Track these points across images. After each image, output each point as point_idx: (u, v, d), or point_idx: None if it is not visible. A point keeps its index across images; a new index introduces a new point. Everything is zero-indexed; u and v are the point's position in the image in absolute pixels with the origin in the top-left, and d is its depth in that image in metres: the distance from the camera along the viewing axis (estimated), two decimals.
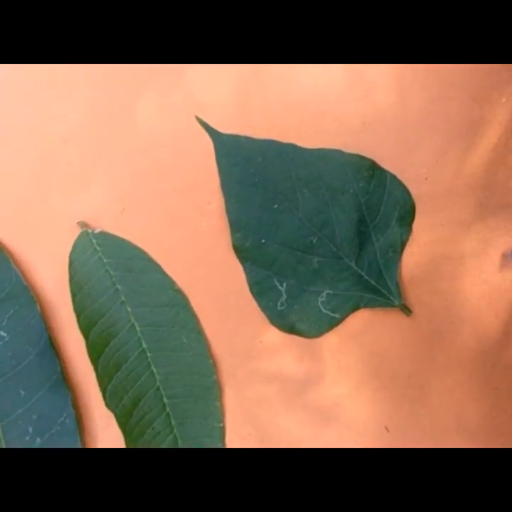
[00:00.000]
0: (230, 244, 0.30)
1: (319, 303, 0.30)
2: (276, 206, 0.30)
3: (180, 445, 0.28)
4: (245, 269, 0.30)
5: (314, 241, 0.30)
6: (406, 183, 0.30)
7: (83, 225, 0.30)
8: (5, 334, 0.29)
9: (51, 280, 0.30)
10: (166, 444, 0.28)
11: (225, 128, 0.31)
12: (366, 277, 0.30)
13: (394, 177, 0.30)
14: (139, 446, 0.28)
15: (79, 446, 0.29)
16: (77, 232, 0.30)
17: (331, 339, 0.30)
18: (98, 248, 0.30)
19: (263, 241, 0.30)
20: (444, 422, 0.29)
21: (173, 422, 0.29)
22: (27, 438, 0.28)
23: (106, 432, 0.29)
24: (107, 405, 0.28)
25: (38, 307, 0.29)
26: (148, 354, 0.29)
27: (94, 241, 0.30)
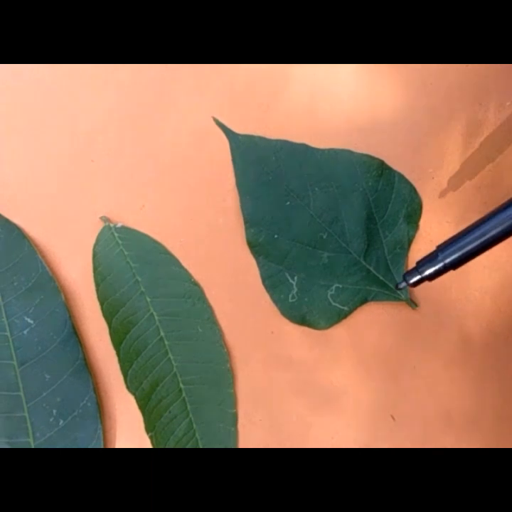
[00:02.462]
0: (244, 239, 0.31)
1: (329, 296, 0.31)
2: (288, 203, 0.31)
3: (195, 429, 0.30)
4: (258, 263, 0.31)
5: (324, 237, 0.31)
6: (413, 182, 0.31)
7: (106, 219, 0.32)
8: (32, 321, 0.31)
9: (75, 271, 0.32)
10: (181, 427, 0.30)
11: (240, 128, 0.32)
12: (374, 272, 0.31)
13: (402, 176, 0.31)
14: (157, 428, 0.29)
15: (99, 428, 0.30)
16: (99, 226, 0.32)
17: (339, 330, 0.31)
18: (120, 241, 0.31)
19: (276, 236, 0.31)
20: (448, 410, 0.30)
21: (188, 406, 0.30)
22: (51, 419, 0.30)
23: (124, 416, 0.31)
24: (128, 388, 0.30)
25: (63, 297, 0.31)
26: (166, 342, 0.30)
27: (116, 235, 0.31)
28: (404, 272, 0.26)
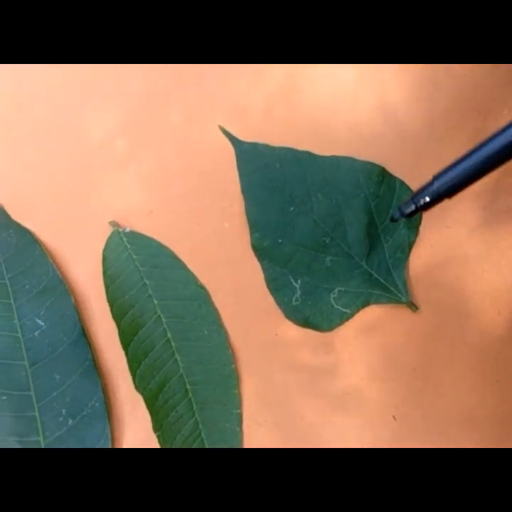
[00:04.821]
0: (249, 243, 0.32)
1: (331, 299, 0.32)
2: (292, 209, 0.32)
3: (201, 429, 0.31)
4: (263, 266, 0.32)
5: (327, 241, 0.32)
6: (414, 189, 0.32)
7: (114, 224, 0.33)
8: (42, 323, 0.31)
9: (84, 275, 0.33)
10: (187, 427, 0.30)
11: (245, 136, 0.33)
12: (376, 276, 0.32)
13: (402, 182, 0.32)
14: (164, 427, 0.30)
15: (107, 428, 0.31)
16: (109, 230, 0.33)
17: (342, 333, 0.32)
18: (128, 246, 0.32)
19: (280, 241, 0.32)
20: (448, 411, 0.30)
21: (194, 406, 0.31)
22: (60, 419, 0.30)
23: (132, 416, 0.31)
24: (136, 388, 0.31)
25: (73, 299, 0.32)
26: (173, 343, 0.31)
27: (124, 239, 0.32)
28: (400, 203, 0.26)
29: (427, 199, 0.25)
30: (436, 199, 0.25)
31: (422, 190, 0.25)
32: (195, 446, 0.30)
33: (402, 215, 0.25)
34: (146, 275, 0.32)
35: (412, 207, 0.25)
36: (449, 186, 0.24)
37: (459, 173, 0.24)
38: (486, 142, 0.24)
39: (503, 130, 0.24)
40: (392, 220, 0.26)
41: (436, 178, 0.25)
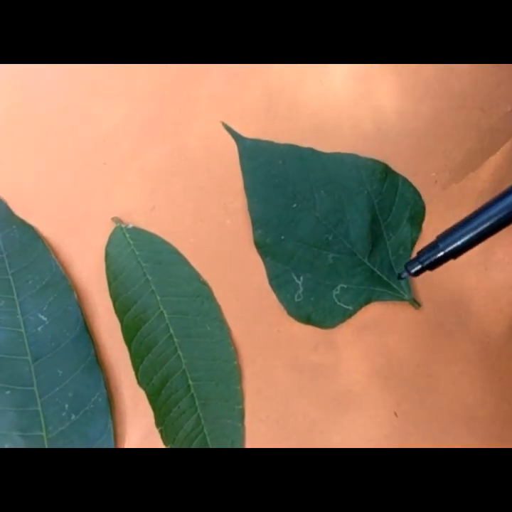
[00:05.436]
0: (252, 240, 0.32)
1: (334, 296, 0.32)
2: (295, 205, 0.32)
3: (203, 424, 0.31)
4: (265, 263, 0.32)
5: (330, 238, 0.32)
6: (417, 186, 0.32)
7: (117, 220, 0.33)
8: (45, 319, 0.31)
9: (87, 270, 0.33)
10: (190, 422, 0.31)
11: (248, 133, 0.33)
12: (378, 273, 0.32)
13: (405, 180, 0.32)
14: (166, 422, 0.30)
15: (109, 423, 0.31)
16: (111, 226, 0.33)
17: (344, 330, 0.32)
18: (131, 242, 0.32)
19: (282, 237, 0.32)
20: (450, 408, 0.30)
21: (197, 402, 0.31)
22: (63, 414, 0.31)
23: (134, 411, 0.31)
24: (139, 383, 0.31)
25: (75, 295, 0.32)
26: (175, 339, 0.31)
27: (127, 235, 0.32)
28: (406, 261, 0.26)
29: (432, 259, 0.25)
30: (442, 260, 0.25)
31: (427, 251, 0.25)
32: (197, 441, 0.30)
33: (409, 273, 0.26)
34: (149, 271, 0.32)
35: (418, 266, 0.25)
36: (452, 249, 0.24)
37: (462, 236, 0.24)
38: (489, 204, 0.24)
39: (508, 192, 0.23)
40: (400, 278, 0.27)
41: (440, 239, 0.24)
